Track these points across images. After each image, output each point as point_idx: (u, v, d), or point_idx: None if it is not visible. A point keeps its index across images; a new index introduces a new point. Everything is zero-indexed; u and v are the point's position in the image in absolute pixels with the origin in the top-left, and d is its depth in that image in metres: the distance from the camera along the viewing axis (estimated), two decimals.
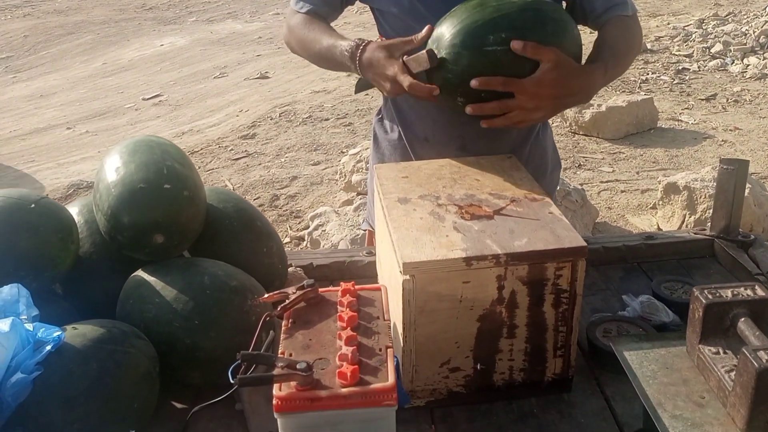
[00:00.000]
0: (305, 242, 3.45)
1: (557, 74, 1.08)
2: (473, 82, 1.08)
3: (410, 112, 1.41)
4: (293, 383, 0.72)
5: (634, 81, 5.90)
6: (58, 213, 1.04)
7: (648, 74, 6.09)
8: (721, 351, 0.79)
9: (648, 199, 3.86)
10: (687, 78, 6.00)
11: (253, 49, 8.50)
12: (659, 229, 3.54)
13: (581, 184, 3.89)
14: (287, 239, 3.66)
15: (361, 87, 1.11)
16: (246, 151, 5.01)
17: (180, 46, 8.99)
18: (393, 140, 1.46)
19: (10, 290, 0.87)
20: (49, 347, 0.83)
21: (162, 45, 9.13)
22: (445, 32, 1.12)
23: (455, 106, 1.16)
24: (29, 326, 0.84)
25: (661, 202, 3.63)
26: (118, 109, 6.60)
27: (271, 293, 0.88)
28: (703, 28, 7.23)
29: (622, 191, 3.99)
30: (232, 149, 5.06)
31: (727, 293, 0.80)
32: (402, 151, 1.44)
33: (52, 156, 5.44)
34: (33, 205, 1.01)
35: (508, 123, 1.13)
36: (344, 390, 0.72)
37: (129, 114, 6.42)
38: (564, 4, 1.31)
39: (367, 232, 1.64)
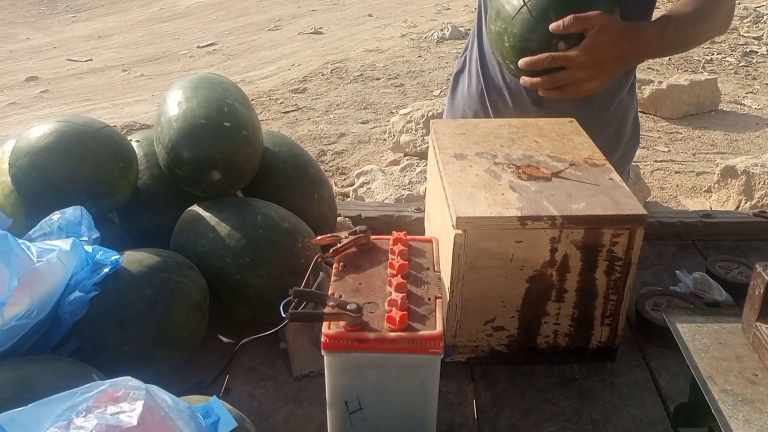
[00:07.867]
0: (350, 198, 3.46)
1: (606, 38, 1.04)
2: (520, 63, 1.07)
3: (493, 61, 1.40)
4: (342, 323, 0.73)
5: (698, 60, 5.69)
6: (120, 143, 1.05)
7: (713, 54, 5.87)
8: None
9: (702, 182, 3.75)
10: (754, 61, 5.75)
11: (308, 4, 8.45)
12: None
13: (635, 162, 3.80)
14: None
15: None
16: (296, 104, 5.02)
17: None
18: (472, 91, 1.46)
19: (73, 212, 0.89)
20: (106, 269, 0.85)
21: None
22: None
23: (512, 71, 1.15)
24: (88, 248, 0.86)
25: (716, 186, 3.53)
26: (173, 55, 6.67)
27: (323, 236, 0.88)
28: None
29: (677, 172, 3.89)
30: (282, 102, 5.08)
31: None
32: (480, 104, 1.44)
33: (107, 96, 5.55)
34: (96, 133, 1.03)
35: (564, 96, 1.11)
36: (392, 334, 0.72)
37: (183, 60, 6.49)
38: None
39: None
